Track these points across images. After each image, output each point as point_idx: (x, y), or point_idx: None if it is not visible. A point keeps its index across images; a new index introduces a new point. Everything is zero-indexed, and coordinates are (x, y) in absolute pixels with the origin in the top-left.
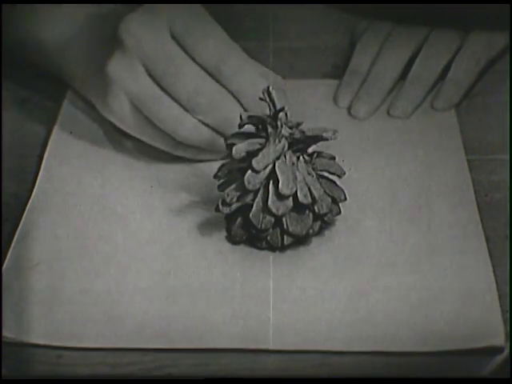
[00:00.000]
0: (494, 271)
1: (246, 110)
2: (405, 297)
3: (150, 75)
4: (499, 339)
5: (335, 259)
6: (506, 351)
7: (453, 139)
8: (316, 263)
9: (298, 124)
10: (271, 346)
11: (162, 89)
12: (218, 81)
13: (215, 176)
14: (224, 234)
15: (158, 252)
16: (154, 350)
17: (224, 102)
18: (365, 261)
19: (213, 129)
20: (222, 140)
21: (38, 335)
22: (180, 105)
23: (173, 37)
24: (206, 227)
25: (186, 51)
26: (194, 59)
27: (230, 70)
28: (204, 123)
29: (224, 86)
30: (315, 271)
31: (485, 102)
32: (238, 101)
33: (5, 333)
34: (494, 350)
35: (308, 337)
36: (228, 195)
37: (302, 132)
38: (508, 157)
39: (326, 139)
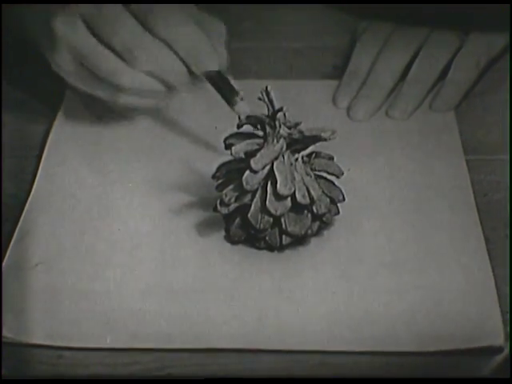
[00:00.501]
0: (494, 271)
1: (182, 59)
2: (404, 297)
3: (90, 29)
4: (499, 339)
5: (335, 259)
6: (506, 351)
7: (452, 139)
8: (315, 263)
9: (297, 124)
10: (271, 346)
11: (101, 42)
12: (151, 32)
13: (213, 176)
14: (223, 234)
15: (157, 252)
16: (153, 350)
17: (157, 50)
18: (364, 261)
19: (152, 76)
20: (160, 85)
21: (38, 335)
22: (119, 56)
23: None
24: (205, 227)
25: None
26: (130, 12)
27: (160, 22)
28: (143, 71)
29: (158, 37)
30: (315, 271)
31: (484, 102)
32: (171, 48)
33: (5, 333)
34: (493, 350)
35: (308, 337)
36: (226, 195)
37: (301, 132)
38: (507, 157)
39: (325, 139)
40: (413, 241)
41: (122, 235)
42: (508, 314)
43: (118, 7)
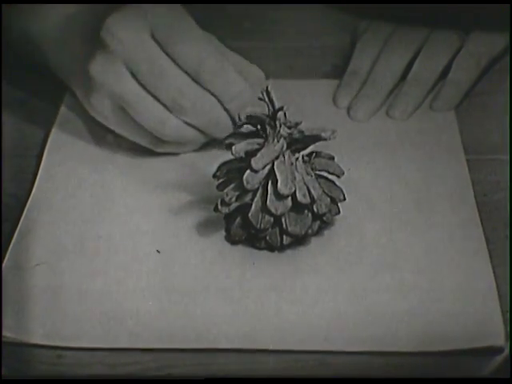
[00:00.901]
0: (494, 271)
1: (227, 109)
2: (404, 297)
3: (134, 76)
4: (499, 339)
5: (335, 259)
6: (506, 351)
7: (452, 139)
8: (315, 263)
9: (297, 124)
10: (271, 346)
11: (146, 90)
12: (198, 83)
13: (214, 176)
14: (223, 233)
15: (157, 252)
16: (153, 349)
17: (206, 103)
18: (364, 261)
19: (196, 128)
20: (202, 137)
21: (38, 335)
22: (164, 105)
23: (154, 38)
24: (205, 227)
25: (167, 53)
26: (174, 61)
27: (209, 73)
28: (187, 123)
29: (205, 88)
30: (315, 271)
31: (484, 102)
32: (219, 101)
33: (5, 332)
34: (493, 350)
35: (308, 337)
36: (227, 195)
37: (301, 132)
38: (507, 157)
39: (325, 139)
40: (413, 240)
41: (121, 235)
42: (508, 314)
43: (163, 57)
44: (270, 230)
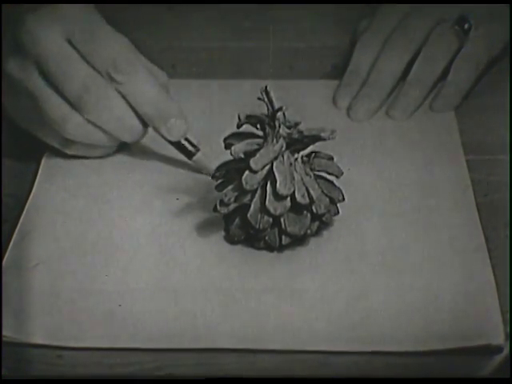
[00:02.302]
0: (494, 271)
1: (136, 112)
2: (404, 297)
3: (43, 74)
4: (499, 339)
5: (334, 259)
6: (506, 351)
7: (452, 139)
8: (315, 263)
9: (296, 124)
10: (271, 346)
11: (53, 86)
12: (109, 82)
13: (213, 176)
14: (222, 234)
15: (157, 252)
16: (154, 350)
17: (112, 103)
18: (364, 261)
19: (100, 128)
20: (108, 140)
21: (37, 335)
22: (69, 103)
23: (68, 37)
24: (205, 227)
25: (80, 54)
26: (86, 60)
27: (120, 73)
28: (91, 122)
29: (115, 88)
30: (314, 271)
31: (484, 103)
32: (129, 102)
33: (5, 332)
34: (493, 350)
35: (307, 337)
36: (226, 195)
37: (300, 132)
38: (507, 157)
39: (324, 139)
40: (413, 241)
41: (121, 235)
42: (508, 314)
43: (74, 55)
44: (268, 230)
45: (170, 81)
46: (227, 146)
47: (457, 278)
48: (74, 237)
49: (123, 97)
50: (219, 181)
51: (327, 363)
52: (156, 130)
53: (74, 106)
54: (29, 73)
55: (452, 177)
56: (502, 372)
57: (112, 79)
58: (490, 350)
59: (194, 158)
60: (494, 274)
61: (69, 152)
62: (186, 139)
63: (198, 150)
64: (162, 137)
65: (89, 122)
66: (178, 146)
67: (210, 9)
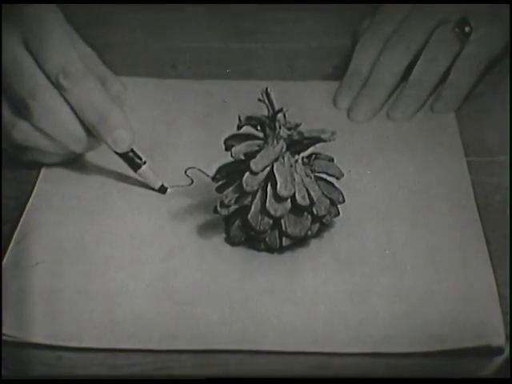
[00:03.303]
0: (494, 272)
1: (82, 121)
2: (404, 298)
3: None
4: (499, 340)
5: (335, 260)
6: (506, 352)
7: (452, 141)
8: (316, 265)
9: (297, 125)
10: (271, 348)
11: (4, 91)
12: (58, 89)
13: (213, 178)
14: (223, 235)
15: (157, 253)
16: (154, 350)
17: (58, 110)
18: (364, 262)
19: (46, 135)
20: (56, 144)
21: (37, 335)
22: (16, 108)
23: (25, 42)
24: (205, 228)
25: (34, 58)
26: (39, 66)
27: (68, 80)
28: (37, 128)
29: (62, 94)
30: (315, 272)
31: (484, 104)
32: (75, 111)
33: (5, 332)
34: (493, 351)
35: (307, 338)
36: (226, 197)
37: (301, 133)
38: (508, 158)
39: (325, 141)
40: (413, 242)
41: (122, 236)
42: (508, 315)
43: (27, 58)
44: (269, 231)
45: (170, 81)
46: (228, 148)
47: (457, 279)
48: (73, 237)
49: (69, 104)
50: (220, 182)
51: (328, 364)
52: (102, 140)
53: (19, 110)
54: None
55: (452, 178)
56: (501, 372)
57: (60, 86)
58: (491, 351)
59: (140, 170)
60: (495, 275)
61: (22, 157)
62: (132, 151)
63: (144, 162)
64: (109, 147)
65: (35, 128)
66: (124, 157)
67: (210, 9)
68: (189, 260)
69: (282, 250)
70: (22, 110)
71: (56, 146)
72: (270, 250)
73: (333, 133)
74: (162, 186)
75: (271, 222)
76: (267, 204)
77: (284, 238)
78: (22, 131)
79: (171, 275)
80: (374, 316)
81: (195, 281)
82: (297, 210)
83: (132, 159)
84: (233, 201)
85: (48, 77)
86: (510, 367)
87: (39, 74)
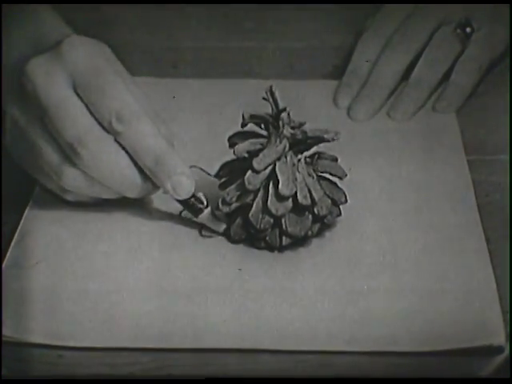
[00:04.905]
0: (494, 272)
1: (137, 165)
2: (404, 297)
3: (44, 122)
4: (499, 339)
5: (335, 260)
6: (506, 351)
7: (453, 140)
8: (316, 264)
9: (301, 124)
10: (271, 347)
11: (52, 136)
12: (112, 134)
13: (216, 175)
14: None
15: (157, 252)
16: (153, 350)
17: (109, 155)
18: (364, 261)
19: (98, 182)
20: (109, 190)
21: (38, 335)
22: (64, 154)
23: (75, 87)
24: (205, 227)
25: (84, 103)
26: (90, 112)
27: (121, 126)
28: (87, 175)
29: (116, 140)
30: (315, 272)
31: (485, 103)
32: (130, 156)
33: (5, 332)
34: (493, 350)
35: (307, 337)
36: (228, 194)
37: (304, 133)
38: (508, 157)
39: (328, 140)
40: (414, 241)
41: (121, 235)
42: (508, 314)
43: (76, 103)
44: (269, 230)
45: (171, 81)
46: (231, 145)
47: (457, 278)
48: (74, 237)
49: (124, 149)
50: (222, 179)
51: (327, 363)
52: (160, 185)
53: (69, 157)
54: (30, 120)
55: (453, 177)
56: (501, 372)
57: (113, 130)
58: (491, 351)
59: (201, 215)
60: (494, 274)
61: (70, 199)
62: (194, 196)
63: (206, 206)
64: (168, 194)
65: (86, 176)
66: (184, 203)
67: (210, 9)
68: (189, 258)
69: (282, 248)
70: (72, 157)
71: (110, 193)
72: (270, 248)
73: (336, 133)
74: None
75: (272, 220)
76: (268, 203)
77: (284, 237)
78: (72, 179)
79: (171, 274)
80: (374, 315)
81: (195, 279)
82: (298, 209)
83: (193, 205)
84: (234, 198)
85: (99, 122)
86: (510, 367)
87: (89, 119)
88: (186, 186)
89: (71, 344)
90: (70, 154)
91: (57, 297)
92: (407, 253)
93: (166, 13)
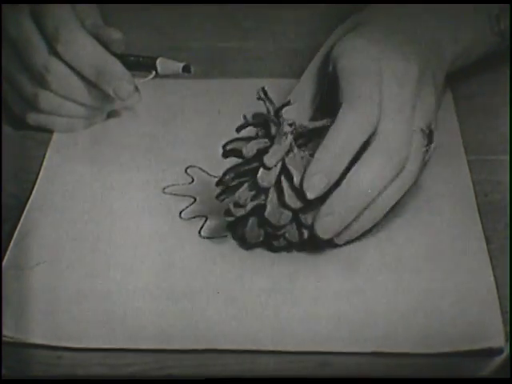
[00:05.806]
0: (494, 272)
1: (93, 84)
2: (404, 298)
3: (19, 55)
4: (499, 340)
5: (335, 260)
6: (506, 352)
7: (453, 139)
8: (316, 264)
9: (294, 122)
10: (271, 347)
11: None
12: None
13: (220, 182)
14: (224, 235)
15: (157, 252)
16: (154, 350)
17: (69, 73)
18: (364, 261)
19: (66, 98)
20: (81, 108)
21: (37, 335)
22: (35, 79)
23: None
24: (205, 227)
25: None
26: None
27: (61, 46)
28: (57, 94)
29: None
30: (315, 272)
31: (485, 103)
32: (82, 76)
33: (5, 332)
34: (493, 351)
35: (308, 338)
36: (240, 197)
37: (304, 126)
38: (508, 157)
39: (326, 125)
40: (413, 241)
41: (122, 235)
42: (508, 315)
43: (32, 28)
44: (288, 226)
45: (171, 80)
46: (226, 153)
47: (456, 279)
48: (73, 237)
49: (74, 69)
50: (221, 188)
51: (327, 364)
52: (106, 93)
53: (39, 82)
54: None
55: (453, 177)
56: (501, 372)
57: (56, 52)
58: (490, 351)
59: (157, 62)
60: (494, 275)
61: (30, 122)
62: (139, 56)
63: (156, 57)
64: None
65: (56, 95)
66: (136, 67)
67: (210, 8)
68: (189, 259)
69: (302, 244)
70: (41, 82)
71: (80, 109)
72: (290, 246)
73: (328, 120)
74: (186, 65)
75: (290, 215)
76: (286, 197)
77: (304, 231)
78: (46, 100)
79: (171, 274)
80: (374, 316)
81: (195, 280)
82: (310, 201)
83: (145, 63)
84: (248, 200)
85: (51, 45)
86: (510, 367)
87: (44, 44)
88: (125, 89)
89: (71, 344)
90: (39, 79)
91: (57, 297)
92: (406, 253)
93: (166, 13)
